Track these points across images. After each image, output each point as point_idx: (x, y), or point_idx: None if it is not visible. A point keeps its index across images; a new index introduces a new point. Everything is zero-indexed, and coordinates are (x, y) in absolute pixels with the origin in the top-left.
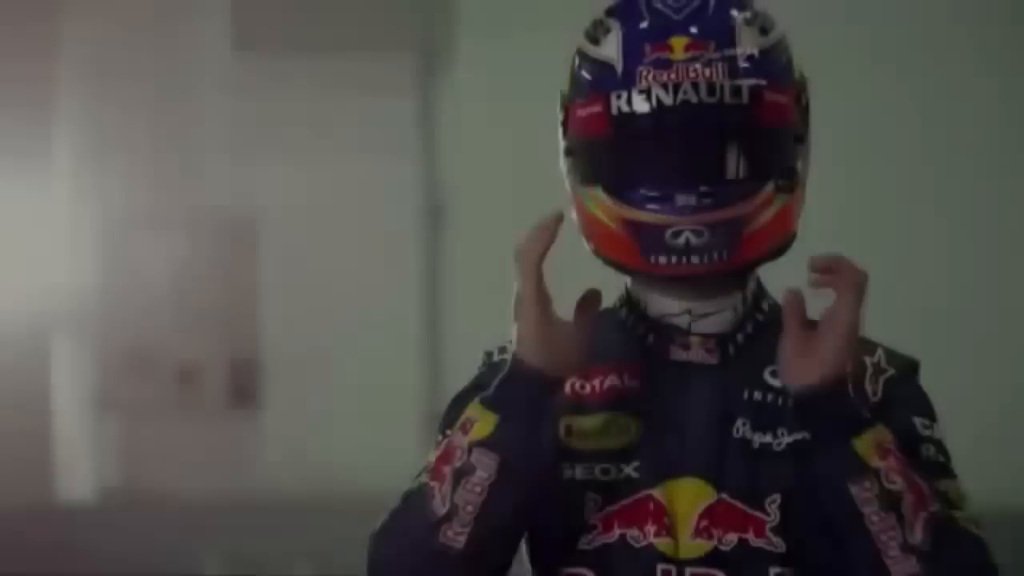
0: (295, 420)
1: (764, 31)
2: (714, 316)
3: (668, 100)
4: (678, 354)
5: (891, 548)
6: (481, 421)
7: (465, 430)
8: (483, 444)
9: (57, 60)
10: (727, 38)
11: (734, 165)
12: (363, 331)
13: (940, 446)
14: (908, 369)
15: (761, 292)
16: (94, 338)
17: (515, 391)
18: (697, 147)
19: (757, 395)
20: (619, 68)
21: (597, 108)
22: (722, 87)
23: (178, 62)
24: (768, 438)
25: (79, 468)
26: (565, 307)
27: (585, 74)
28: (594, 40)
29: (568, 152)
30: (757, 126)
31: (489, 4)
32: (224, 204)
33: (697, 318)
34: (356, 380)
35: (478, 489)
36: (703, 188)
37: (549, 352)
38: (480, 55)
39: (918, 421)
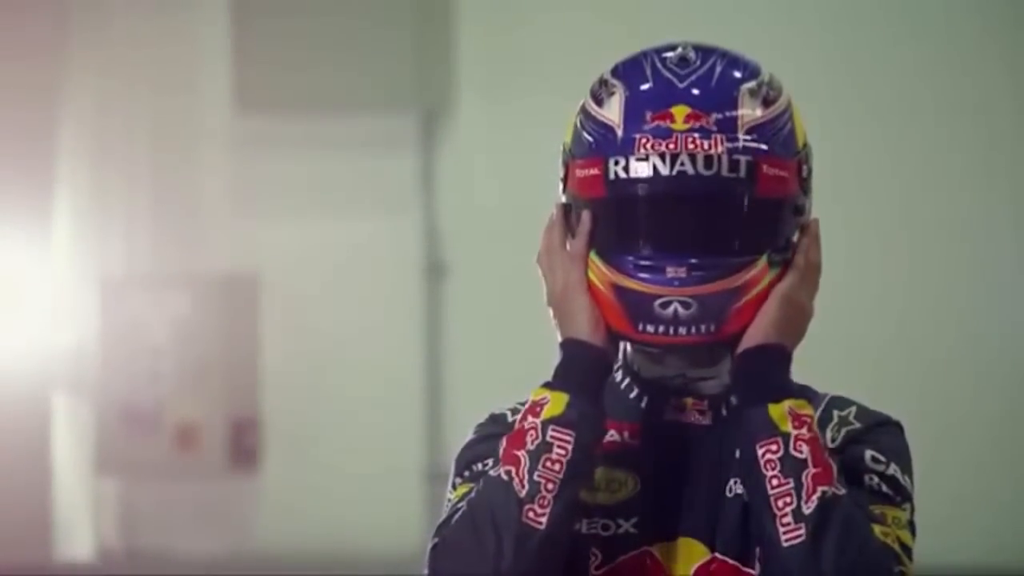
0: (295, 480)
1: (767, 102)
2: (709, 380)
3: (665, 170)
4: (672, 415)
5: (785, 514)
6: (552, 401)
7: (536, 412)
8: (558, 422)
9: (57, 119)
10: (729, 109)
11: (727, 239)
12: (364, 390)
13: (892, 482)
14: (878, 425)
15: None
16: (93, 398)
17: (578, 370)
18: (691, 219)
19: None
20: (619, 133)
21: (595, 171)
22: (720, 159)
23: (179, 122)
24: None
25: (78, 528)
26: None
27: (587, 134)
28: (598, 100)
29: (567, 209)
30: (753, 200)
31: (489, 63)
32: (225, 263)
33: (692, 381)
34: (357, 440)
35: (557, 467)
36: (694, 260)
37: (601, 330)
38: (480, 114)
39: (869, 454)
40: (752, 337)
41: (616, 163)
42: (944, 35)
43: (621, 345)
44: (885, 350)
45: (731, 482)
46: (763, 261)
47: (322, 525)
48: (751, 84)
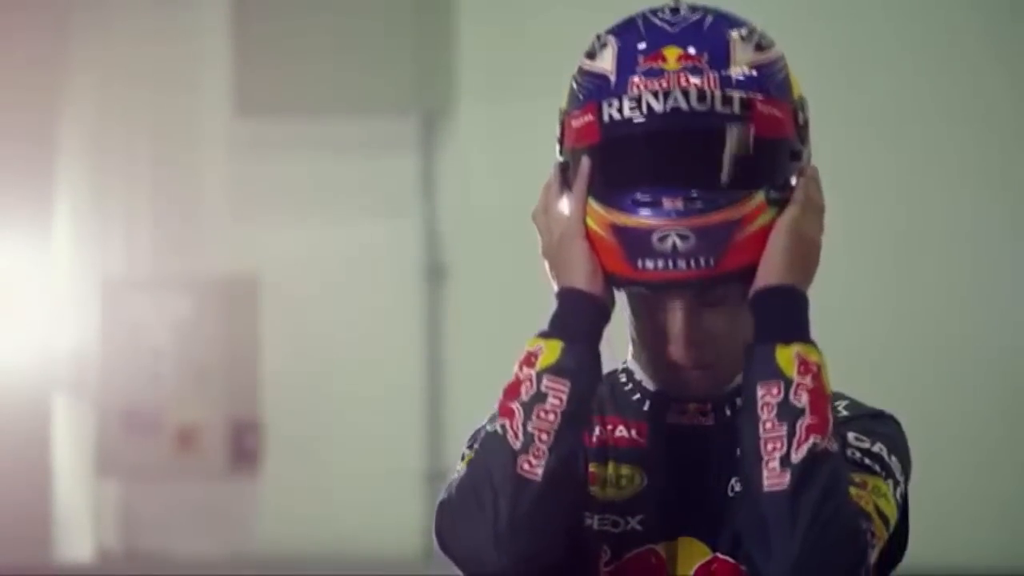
0: (295, 482)
1: (760, 47)
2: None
3: (658, 107)
4: (674, 418)
5: (772, 459)
6: (546, 350)
7: (530, 363)
8: (552, 371)
9: (58, 121)
10: (722, 52)
11: (723, 172)
12: (364, 392)
13: (876, 458)
14: (869, 416)
15: None
16: (94, 399)
17: (575, 318)
18: (686, 153)
19: None
20: (612, 79)
21: (589, 117)
22: (713, 95)
23: (179, 124)
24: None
25: (78, 529)
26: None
27: (581, 87)
28: (591, 55)
29: (564, 167)
30: (748, 134)
31: (489, 66)
32: (225, 265)
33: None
34: (357, 441)
35: (552, 417)
36: (691, 193)
37: (599, 278)
38: (480, 116)
39: (852, 435)
40: (763, 277)
41: (610, 105)
42: (943, 36)
43: (627, 351)
44: (884, 350)
45: (732, 482)
46: (760, 196)
47: (322, 526)
48: (742, 30)
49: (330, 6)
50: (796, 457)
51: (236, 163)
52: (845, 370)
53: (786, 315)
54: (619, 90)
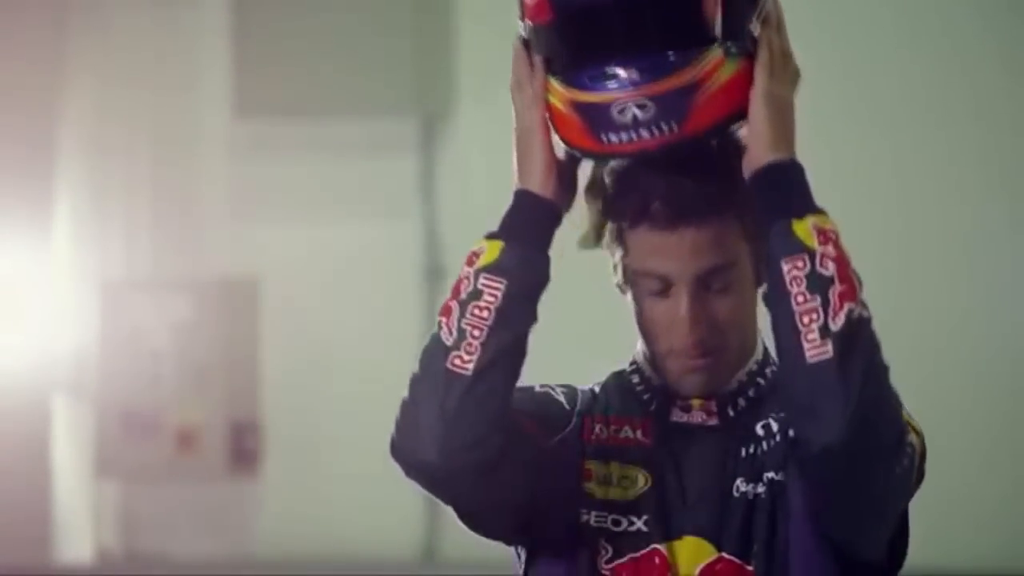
0: (295, 483)
1: None
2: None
3: None
4: (679, 416)
5: (811, 331)
6: (487, 250)
7: (471, 262)
8: (489, 269)
9: (57, 122)
10: None
11: (673, 34)
12: (364, 394)
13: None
14: None
15: (767, 360)
16: (94, 401)
17: (521, 218)
18: (633, 21)
19: (751, 449)
20: None
21: None
22: None
23: (179, 125)
24: (757, 487)
25: (78, 531)
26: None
27: None
28: None
29: (525, 43)
30: None
31: (488, 67)
32: (225, 267)
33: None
34: (357, 443)
35: (485, 314)
36: (644, 61)
37: (556, 182)
38: (480, 118)
39: None
40: (756, 157)
41: None
42: (943, 37)
43: (639, 347)
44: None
45: (738, 481)
46: (717, 52)
47: (322, 528)
48: None
49: (330, 7)
50: (835, 326)
51: (236, 164)
52: None
53: (791, 189)
54: None
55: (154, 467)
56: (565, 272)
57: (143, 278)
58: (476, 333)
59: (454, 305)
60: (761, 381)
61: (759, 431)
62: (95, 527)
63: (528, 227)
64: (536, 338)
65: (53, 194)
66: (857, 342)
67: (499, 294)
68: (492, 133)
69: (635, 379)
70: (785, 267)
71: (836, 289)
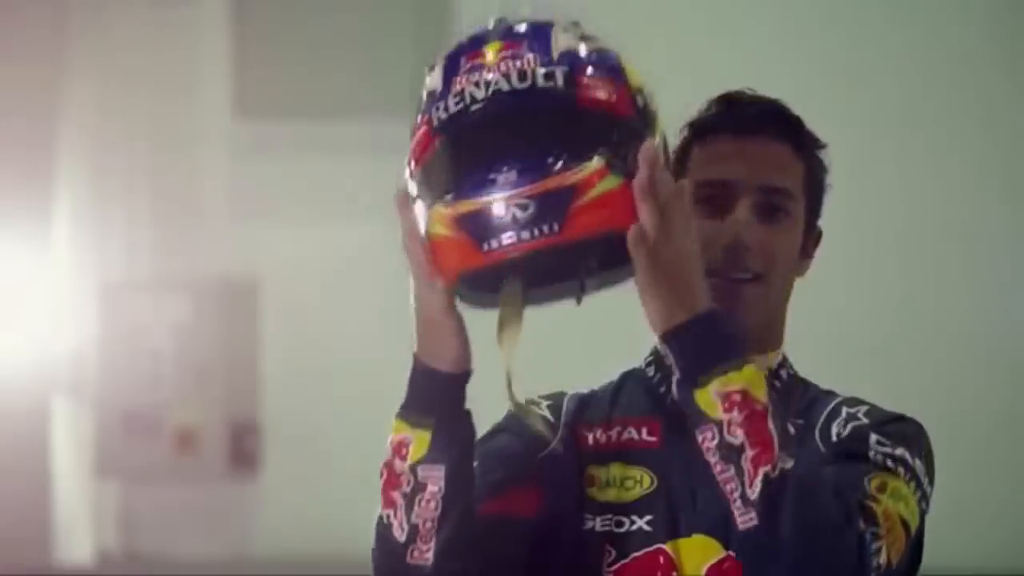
0: (295, 483)
1: (585, 39)
2: None
3: (480, 94)
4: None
5: (734, 500)
6: (416, 443)
7: (402, 455)
8: (425, 461)
9: (57, 123)
10: (544, 39)
11: (553, 143)
12: (363, 394)
13: (899, 460)
14: (890, 420)
15: (784, 363)
16: (94, 401)
17: (440, 400)
18: (514, 130)
19: None
20: (440, 89)
21: (423, 128)
22: (534, 72)
23: (179, 126)
24: None
25: (78, 531)
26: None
27: (417, 111)
28: (425, 82)
29: (415, 198)
30: (573, 105)
31: None
32: (224, 267)
33: None
34: (356, 443)
35: (432, 504)
36: (523, 163)
37: (463, 349)
38: None
39: (874, 438)
40: (653, 325)
41: (437, 110)
42: (944, 37)
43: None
44: (884, 351)
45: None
46: (599, 161)
47: (322, 528)
48: (566, 23)
49: (330, 7)
50: (753, 493)
51: (235, 165)
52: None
53: (688, 351)
54: (445, 93)
55: (154, 467)
56: None
57: (143, 278)
58: (428, 524)
59: (398, 498)
60: (776, 383)
61: None
62: (95, 527)
63: (448, 407)
64: (536, 338)
65: (53, 194)
66: (781, 501)
67: (441, 482)
68: None
69: (651, 371)
70: (699, 437)
71: (748, 455)
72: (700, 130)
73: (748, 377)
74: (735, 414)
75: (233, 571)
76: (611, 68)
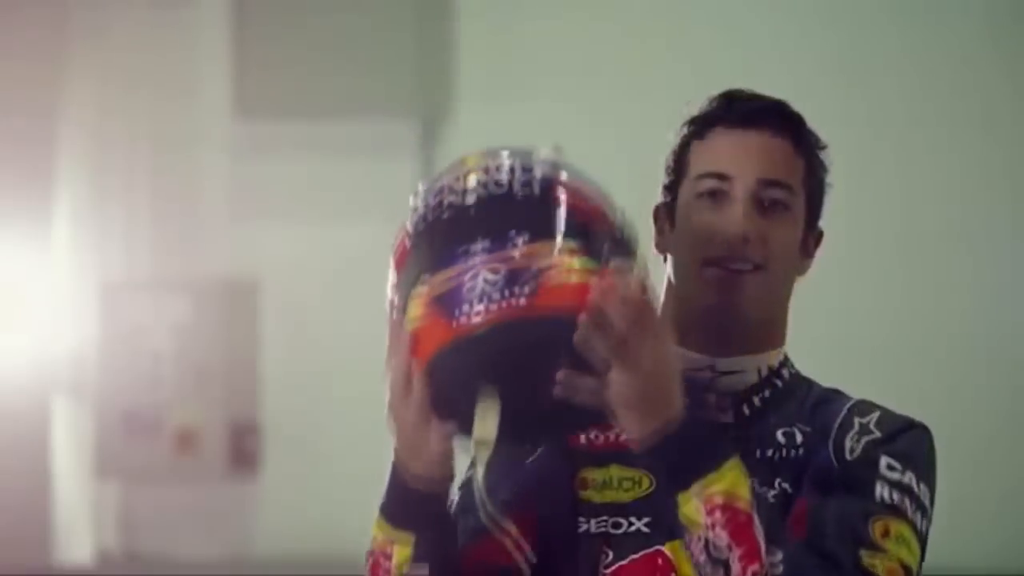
0: (295, 484)
1: (567, 167)
2: (737, 375)
3: (458, 200)
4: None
5: None
6: (399, 544)
7: (387, 555)
8: (411, 560)
9: (57, 123)
10: (526, 157)
11: (527, 224)
12: (364, 394)
13: (906, 491)
14: (900, 431)
15: (785, 361)
16: (94, 402)
17: (423, 510)
18: (487, 214)
19: (768, 452)
20: (421, 204)
21: (402, 235)
22: (512, 178)
23: (179, 126)
24: (768, 492)
25: (78, 532)
26: None
27: (401, 229)
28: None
29: (398, 307)
30: (548, 198)
31: (488, 69)
32: (225, 268)
33: (719, 375)
34: (356, 444)
35: None
36: (496, 237)
37: (448, 463)
38: (479, 119)
39: (885, 462)
40: (629, 434)
41: (415, 218)
42: (944, 37)
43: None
44: (885, 351)
45: (750, 481)
46: (570, 243)
47: (322, 529)
48: (548, 152)
49: (330, 7)
50: None
51: (236, 165)
52: (845, 370)
53: (669, 460)
54: (425, 203)
55: (154, 467)
56: None
57: (143, 278)
58: None
59: None
60: (778, 383)
61: (780, 438)
62: (95, 528)
63: (432, 516)
64: None
65: (53, 194)
66: None
67: (426, 569)
68: (492, 134)
69: None
70: (688, 545)
71: (736, 554)
72: (700, 125)
73: (730, 481)
74: (717, 515)
75: (233, 571)
76: (591, 185)
